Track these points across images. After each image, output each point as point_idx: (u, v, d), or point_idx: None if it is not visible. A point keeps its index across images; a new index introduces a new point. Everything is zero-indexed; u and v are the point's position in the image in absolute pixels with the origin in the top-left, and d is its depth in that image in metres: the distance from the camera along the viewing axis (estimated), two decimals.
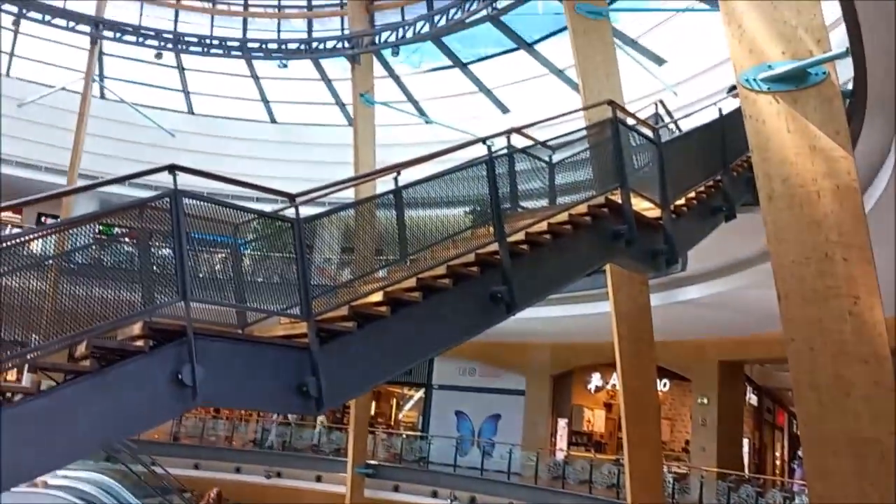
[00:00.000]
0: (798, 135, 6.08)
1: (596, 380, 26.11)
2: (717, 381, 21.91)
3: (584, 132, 8.43)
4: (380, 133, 22.83)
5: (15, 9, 21.77)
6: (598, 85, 13.12)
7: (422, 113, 25.34)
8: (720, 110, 9.65)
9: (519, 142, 7.55)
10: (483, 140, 6.69)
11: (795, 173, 6.04)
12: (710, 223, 9.37)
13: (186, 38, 23.67)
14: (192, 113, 26.95)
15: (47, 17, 21.97)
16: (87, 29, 22.47)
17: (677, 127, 10.26)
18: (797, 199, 6.01)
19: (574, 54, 14.33)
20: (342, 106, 26.12)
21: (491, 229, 6.54)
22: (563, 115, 8.96)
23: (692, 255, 12.12)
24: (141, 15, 24.63)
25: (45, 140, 23.28)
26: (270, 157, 25.72)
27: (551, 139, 8.19)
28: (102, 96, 26.09)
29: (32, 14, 21.81)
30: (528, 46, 22.17)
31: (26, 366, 4.78)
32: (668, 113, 11.10)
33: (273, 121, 27.41)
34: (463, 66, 23.95)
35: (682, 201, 8.45)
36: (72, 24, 22.29)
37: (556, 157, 8.32)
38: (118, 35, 22.96)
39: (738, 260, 15.48)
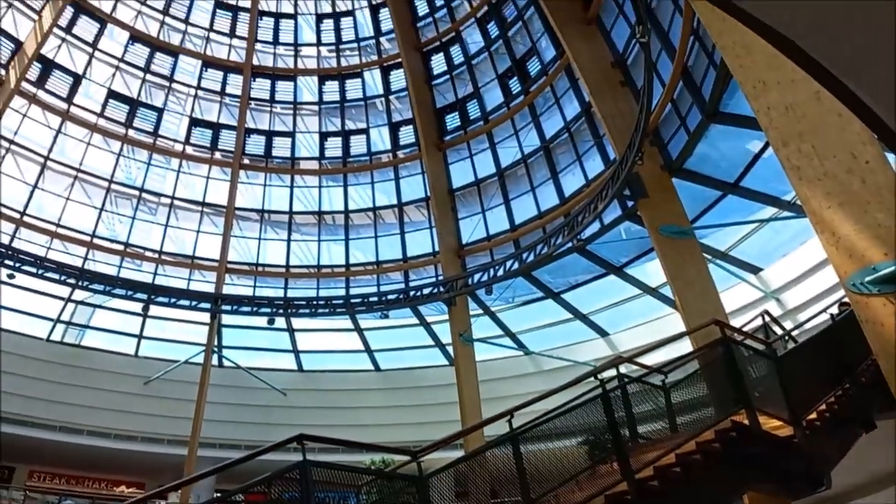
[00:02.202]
0: None
1: None
2: None
3: (696, 353, 8.29)
4: (481, 368, 23.12)
5: (144, 295, 24.24)
6: (696, 302, 13.10)
7: (520, 345, 25.65)
8: (832, 315, 9.37)
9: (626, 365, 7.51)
10: (594, 374, 6.70)
11: None
12: (849, 436, 8.70)
13: (296, 302, 25.45)
14: (302, 370, 28.10)
15: (173, 300, 24.23)
16: (207, 305, 24.53)
17: (791, 338, 9.96)
18: None
19: (666, 274, 14.57)
20: (442, 346, 26.76)
21: (614, 465, 6.31)
22: (670, 340, 8.90)
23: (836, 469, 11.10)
24: (254, 287, 26.90)
25: (168, 413, 24.44)
26: (377, 405, 26.12)
27: (662, 364, 8.10)
28: (220, 365, 27.65)
29: (160, 298, 24.13)
30: (618, 270, 22.64)
31: None
32: (776, 322, 10.85)
33: (377, 369, 28.18)
34: (556, 296, 24.49)
35: (813, 415, 7.96)
36: (195, 302, 24.45)
37: (669, 380, 8.14)
38: (235, 307, 24.95)
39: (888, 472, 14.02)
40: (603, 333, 24.44)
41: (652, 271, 21.35)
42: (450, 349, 24.97)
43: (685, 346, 11.90)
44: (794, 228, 16.92)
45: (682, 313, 13.51)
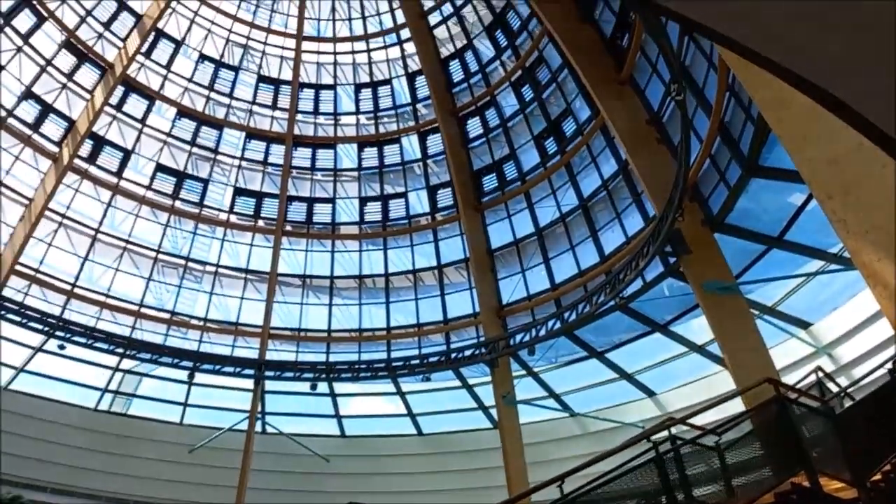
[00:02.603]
0: None
1: None
2: None
3: (749, 413, 8.01)
4: (526, 431, 22.68)
5: (190, 363, 24.53)
6: (745, 359, 12.77)
7: (565, 406, 25.14)
8: (891, 370, 9.02)
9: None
10: (647, 437, 6.52)
11: None
12: None
13: (338, 367, 25.47)
14: (344, 436, 27.89)
15: (218, 367, 24.45)
16: (251, 371, 24.69)
17: (847, 395, 9.59)
18: None
19: (713, 330, 14.25)
20: (485, 409, 26.37)
21: None
22: (722, 399, 8.65)
23: None
24: (297, 353, 27.07)
25: (212, 481, 24.35)
26: (421, 470, 25.67)
27: (715, 424, 7.83)
28: (263, 431, 27.59)
29: (205, 366, 24.38)
30: (663, 328, 22.22)
31: None
32: (831, 378, 10.48)
33: (420, 433, 27.82)
34: (600, 356, 24.08)
35: (877, 476, 7.59)
36: (239, 369, 24.63)
37: (722, 440, 7.85)
38: (278, 373, 25.06)
39: None
40: (650, 393, 23.85)
41: (698, 328, 20.91)
42: (493, 412, 24.59)
43: (737, 405, 11.54)
44: (843, 281, 16.49)
45: (731, 371, 13.16)
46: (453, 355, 24.82)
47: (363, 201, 29.94)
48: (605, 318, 21.77)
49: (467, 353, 24.52)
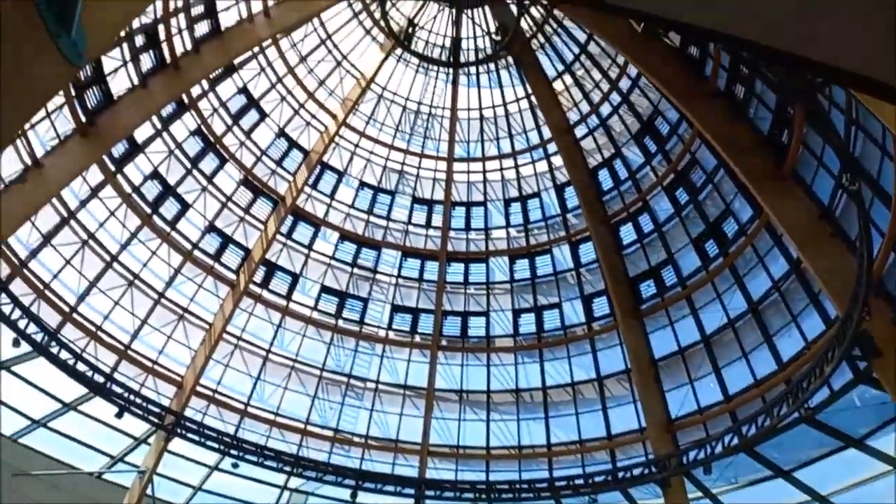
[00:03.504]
0: None
1: None
2: None
3: None
4: None
5: (352, 482, 24.70)
6: None
7: None
8: None
9: None
10: None
11: None
12: None
13: (498, 486, 24.71)
14: None
15: (379, 485, 24.47)
16: (411, 491, 24.48)
17: None
18: None
19: None
20: None
21: None
22: None
23: None
24: (456, 471, 26.63)
25: None
26: None
27: None
28: None
29: (367, 484, 24.49)
30: (859, 443, 19.80)
31: None
32: None
33: None
34: (786, 475, 21.69)
35: None
36: (399, 488, 24.52)
37: None
38: (438, 492, 24.66)
39: None
40: None
41: None
42: None
43: None
44: None
45: None
46: (620, 474, 23.38)
47: (517, 313, 29.84)
48: (790, 431, 19.75)
49: (635, 471, 23.02)
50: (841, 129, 16.52)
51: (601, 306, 28.20)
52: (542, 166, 31.23)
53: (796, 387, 18.61)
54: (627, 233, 28.17)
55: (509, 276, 30.63)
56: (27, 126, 19.94)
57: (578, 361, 28.09)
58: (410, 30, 28.77)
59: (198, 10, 24.12)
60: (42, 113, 20.38)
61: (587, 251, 29.19)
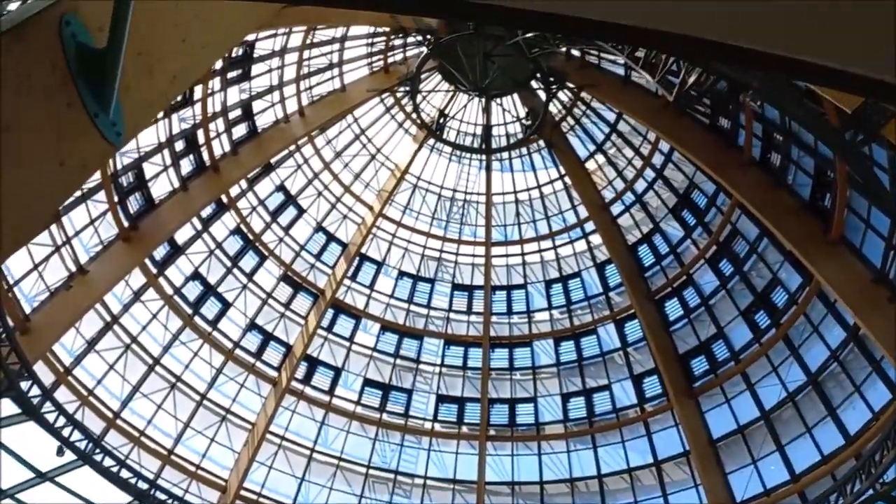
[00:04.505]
0: None
1: None
2: None
3: None
4: None
5: None
6: None
7: None
8: None
9: None
10: None
11: None
12: None
13: None
14: None
15: None
16: None
17: None
18: None
19: None
20: None
21: None
22: None
23: None
24: None
25: None
26: None
27: None
28: None
29: None
30: None
31: None
32: None
33: None
34: None
35: None
36: None
37: None
38: None
39: None
40: None
41: None
42: None
43: None
44: None
45: None
46: None
47: (566, 397, 28.94)
48: None
49: None
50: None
51: (653, 386, 27.23)
52: (581, 245, 31.00)
53: (868, 461, 17.47)
54: (673, 308, 27.46)
55: (555, 360, 29.90)
56: (72, 233, 20.53)
57: (633, 445, 26.91)
58: (442, 120, 29.37)
59: (235, 113, 25.01)
60: (86, 219, 21.00)
61: (633, 329, 28.47)
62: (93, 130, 3.08)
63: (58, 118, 2.92)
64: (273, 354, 27.74)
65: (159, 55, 3.66)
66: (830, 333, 21.52)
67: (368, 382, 29.22)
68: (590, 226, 30.35)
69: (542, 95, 27.68)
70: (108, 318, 22.85)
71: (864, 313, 18.04)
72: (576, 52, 27.62)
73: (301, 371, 27.96)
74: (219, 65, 23.51)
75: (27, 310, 19.32)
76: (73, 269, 20.56)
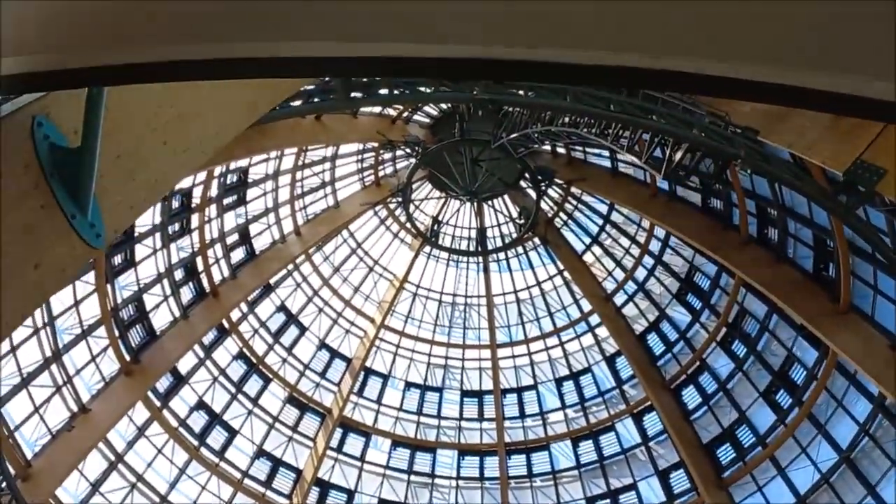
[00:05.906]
0: None
1: None
2: None
3: None
4: None
5: None
6: None
7: None
8: None
9: None
10: None
11: None
12: None
13: None
14: None
15: None
16: None
17: None
18: None
19: None
20: None
21: None
22: None
23: None
24: None
25: None
26: None
27: None
28: None
29: None
30: None
31: None
32: None
33: None
34: None
35: None
36: None
37: None
38: None
39: None
40: None
41: None
42: None
43: None
44: None
45: None
46: None
47: (590, 501, 27.62)
48: None
49: None
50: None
51: (680, 480, 26.02)
52: (588, 339, 30.53)
53: None
54: (691, 396, 26.67)
55: (575, 461, 28.73)
56: (73, 372, 20.16)
57: None
58: (436, 227, 29.62)
59: (232, 238, 25.20)
60: (87, 356, 20.69)
61: (652, 422, 27.54)
62: (70, 232, 2.94)
63: (32, 220, 2.78)
64: (283, 481, 26.66)
65: (139, 159, 3.57)
66: (856, 406, 20.82)
67: (383, 502, 27.97)
68: (595, 319, 30.01)
69: (533, 194, 28.03)
70: (113, 458, 22.11)
71: (887, 382, 17.47)
72: (561, 150, 28.21)
73: (313, 496, 26.79)
74: (215, 192, 23.93)
75: (28, 455, 18.71)
76: (75, 408, 20.09)
